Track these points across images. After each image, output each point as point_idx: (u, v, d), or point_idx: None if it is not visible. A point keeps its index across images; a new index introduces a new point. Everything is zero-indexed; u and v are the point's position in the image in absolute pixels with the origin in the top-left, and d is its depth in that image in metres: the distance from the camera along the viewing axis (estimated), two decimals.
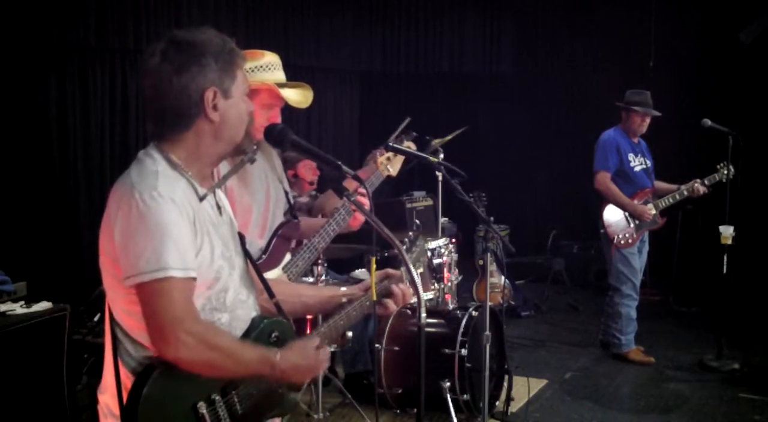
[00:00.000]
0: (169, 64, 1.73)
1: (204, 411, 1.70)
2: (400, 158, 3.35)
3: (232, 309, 1.82)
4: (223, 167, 1.95)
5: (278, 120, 2.83)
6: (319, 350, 1.88)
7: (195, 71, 1.73)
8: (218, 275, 1.78)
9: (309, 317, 3.36)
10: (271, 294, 1.99)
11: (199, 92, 1.73)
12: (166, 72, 1.73)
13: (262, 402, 1.86)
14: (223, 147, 1.81)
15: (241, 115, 1.82)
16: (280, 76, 2.96)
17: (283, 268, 3.13)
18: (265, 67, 2.89)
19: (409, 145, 3.40)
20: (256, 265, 2.01)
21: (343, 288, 2.17)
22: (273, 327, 1.90)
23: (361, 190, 2.86)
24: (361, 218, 3.25)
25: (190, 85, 1.73)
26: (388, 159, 3.31)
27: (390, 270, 2.15)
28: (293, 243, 3.29)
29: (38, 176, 5.40)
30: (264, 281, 2.00)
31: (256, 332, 1.85)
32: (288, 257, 3.18)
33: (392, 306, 2.11)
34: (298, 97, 3.03)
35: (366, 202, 2.57)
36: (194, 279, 1.68)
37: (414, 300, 2.05)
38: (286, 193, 3.18)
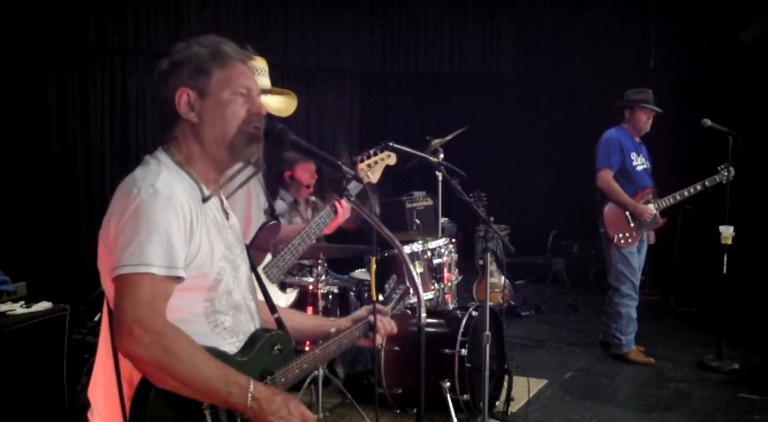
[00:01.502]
0: (158, 71, 1.84)
1: (206, 412, 1.69)
2: (381, 165, 3.37)
3: (235, 313, 1.82)
4: None
5: None
6: (301, 407, 1.76)
7: (171, 74, 1.81)
8: (220, 276, 1.78)
9: None
10: (273, 309, 2.01)
11: (172, 94, 1.79)
12: (155, 79, 1.84)
13: None
14: (212, 148, 1.80)
15: (224, 114, 1.79)
16: (263, 81, 2.95)
17: (263, 269, 3.14)
18: None
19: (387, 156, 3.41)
20: (261, 279, 2.02)
21: (332, 319, 2.27)
22: (276, 340, 1.89)
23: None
24: (336, 223, 3.30)
25: (166, 89, 1.80)
26: (369, 166, 3.32)
27: (378, 306, 2.22)
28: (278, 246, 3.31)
29: (38, 176, 5.40)
30: (267, 295, 2.02)
31: (259, 344, 1.84)
32: (269, 257, 3.19)
33: (378, 339, 2.20)
34: (279, 104, 3.02)
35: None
36: (179, 278, 1.67)
37: (414, 301, 2.07)
38: (266, 194, 3.20)
